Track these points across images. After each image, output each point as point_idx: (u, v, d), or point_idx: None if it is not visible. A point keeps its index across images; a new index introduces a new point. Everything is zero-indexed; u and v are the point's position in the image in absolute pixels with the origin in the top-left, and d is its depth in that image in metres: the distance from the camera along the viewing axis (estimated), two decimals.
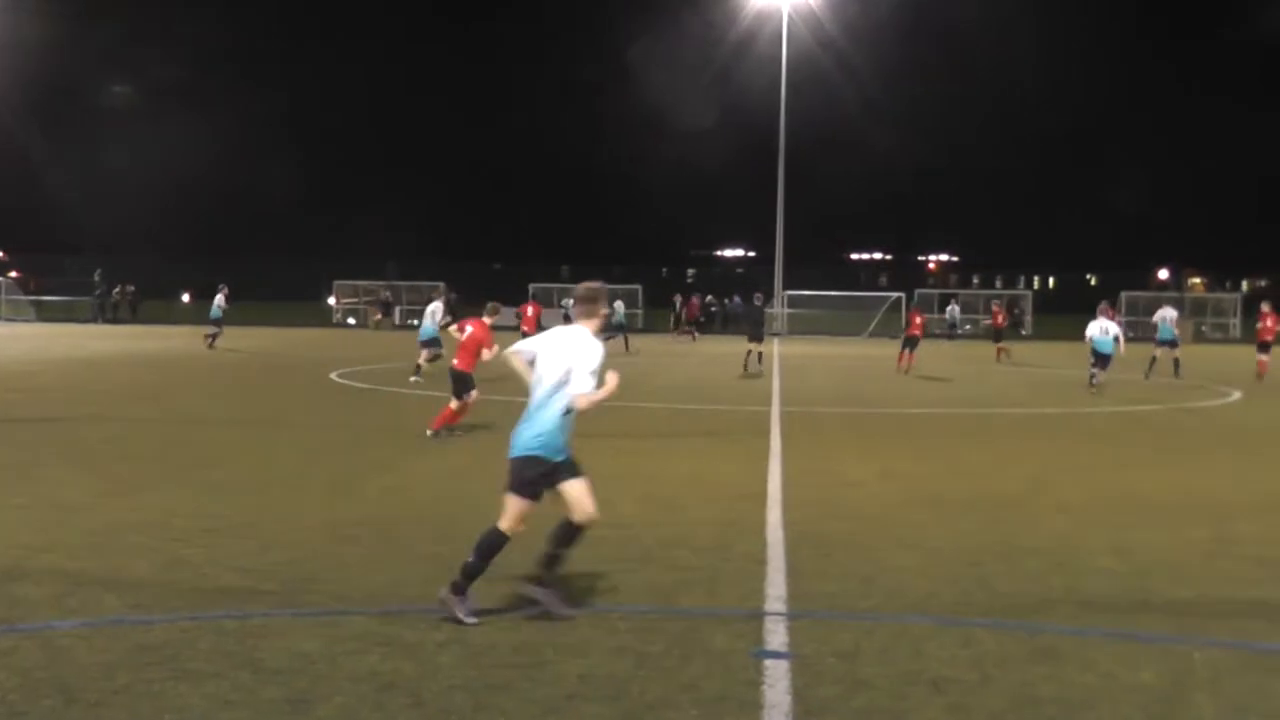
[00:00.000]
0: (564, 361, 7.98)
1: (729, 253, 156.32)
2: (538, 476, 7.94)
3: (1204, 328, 67.46)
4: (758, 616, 8.28)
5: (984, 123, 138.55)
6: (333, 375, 29.79)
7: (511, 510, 7.94)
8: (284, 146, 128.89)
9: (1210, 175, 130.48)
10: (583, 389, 7.89)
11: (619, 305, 46.25)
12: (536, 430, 7.98)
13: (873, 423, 21.54)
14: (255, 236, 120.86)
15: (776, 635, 7.86)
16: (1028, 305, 74.49)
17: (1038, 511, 12.51)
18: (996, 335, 43.33)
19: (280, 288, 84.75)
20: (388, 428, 19.15)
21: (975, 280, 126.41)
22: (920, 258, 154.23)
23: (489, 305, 18.64)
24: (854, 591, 9.02)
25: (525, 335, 35.38)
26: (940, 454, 16.95)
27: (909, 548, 10.57)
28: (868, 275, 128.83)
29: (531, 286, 67.46)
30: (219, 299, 42.14)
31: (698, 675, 6.99)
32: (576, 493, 8.03)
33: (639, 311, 70.17)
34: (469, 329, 17.65)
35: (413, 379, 27.32)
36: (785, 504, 12.53)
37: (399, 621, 7.97)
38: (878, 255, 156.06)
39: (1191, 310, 70.21)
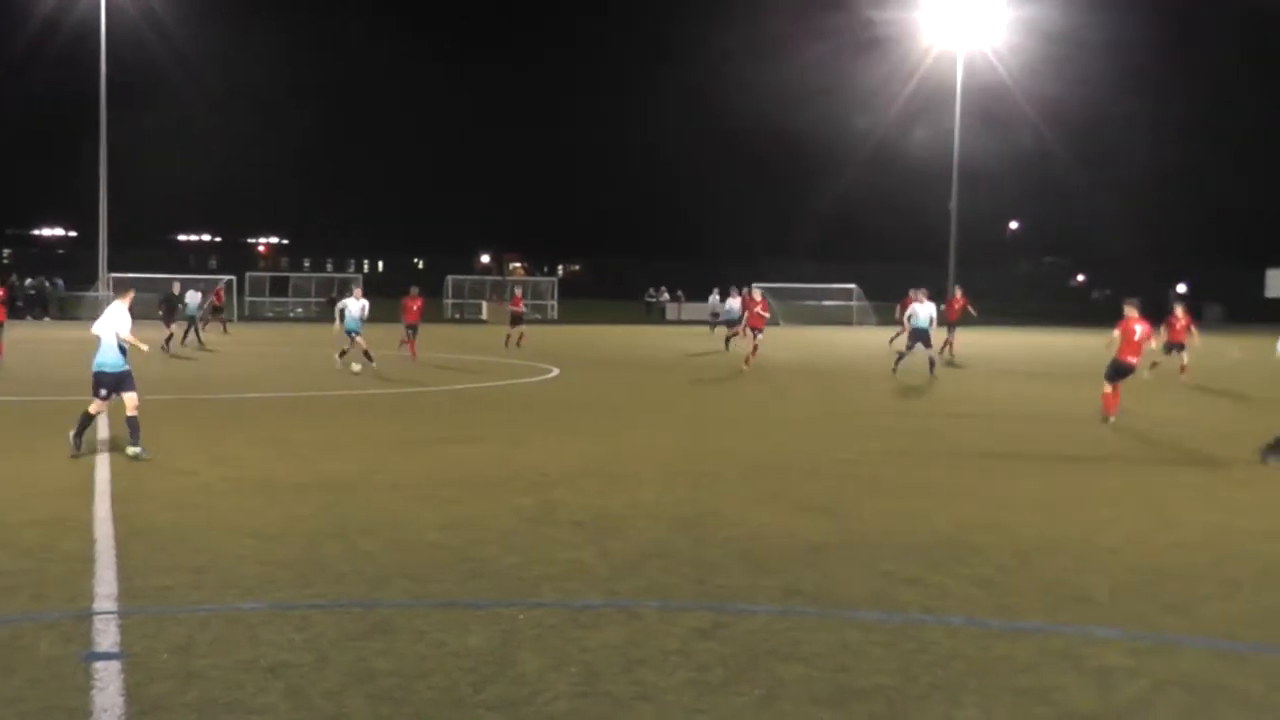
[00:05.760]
0: None
1: (47, 232, 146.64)
2: None
3: None
4: (86, 618, 7.92)
5: (317, 109, 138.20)
6: None
7: None
8: None
9: (523, 167, 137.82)
10: None
11: (192, 295, 41.57)
12: None
13: (204, 409, 21.08)
14: None
15: (107, 635, 7.56)
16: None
17: (371, 491, 12.76)
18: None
19: None
20: None
21: (307, 264, 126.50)
22: (250, 240, 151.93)
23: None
24: (187, 583, 8.83)
25: None
26: (274, 438, 16.88)
27: (244, 534, 10.47)
28: (198, 257, 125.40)
29: None
30: None
31: (22, 686, 6.59)
32: None
33: None
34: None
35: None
36: (114, 497, 12.03)
37: None
38: (207, 237, 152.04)
39: (509, 291, 74.24)
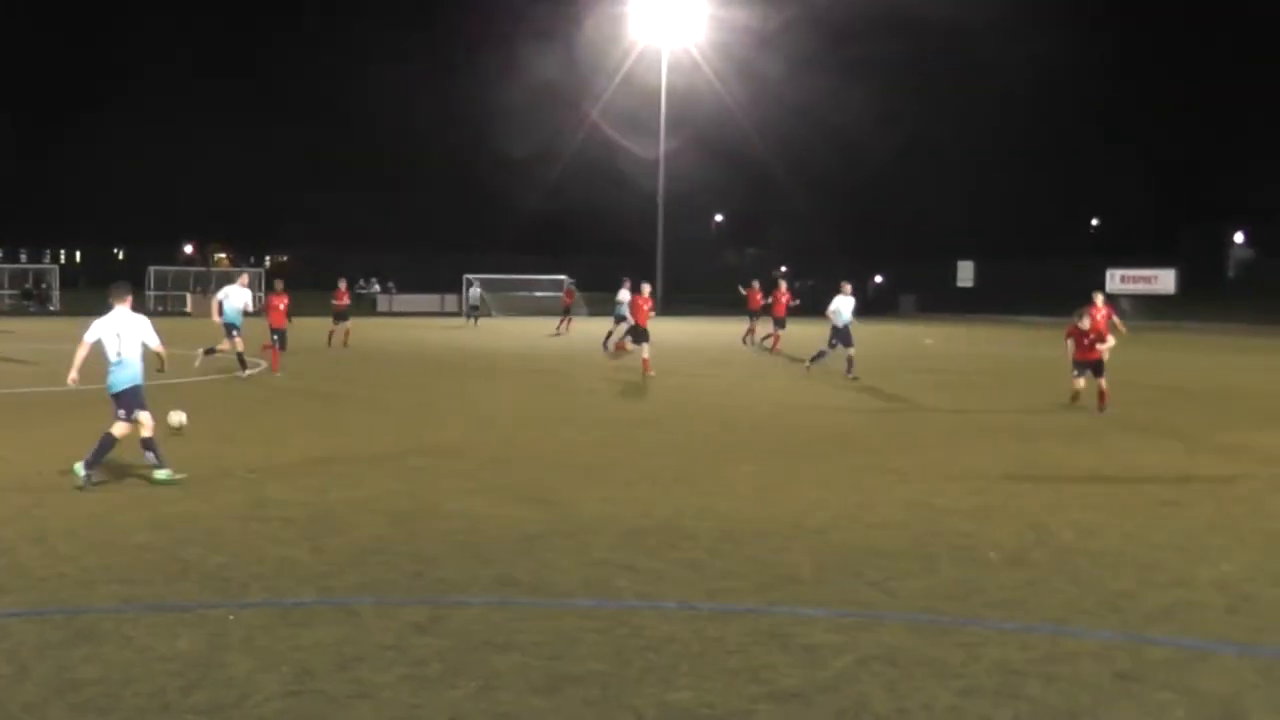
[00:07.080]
0: None
1: None
2: None
3: None
4: None
5: (13, 90, 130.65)
6: None
7: None
8: None
9: (225, 157, 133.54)
10: None
11: None
12: None
13: None
14: None
15: None
16: (54, 280, 72.29)
17: (73, 492, 12.20)
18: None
19: None
20: None
21: None
22: None
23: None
24: None
25: None
26: None
27: None
28: None
29: None
30: None
31: None
32: None
33: None
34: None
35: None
36: None
37: None
38: None
39: (217, 284, 72.19)
